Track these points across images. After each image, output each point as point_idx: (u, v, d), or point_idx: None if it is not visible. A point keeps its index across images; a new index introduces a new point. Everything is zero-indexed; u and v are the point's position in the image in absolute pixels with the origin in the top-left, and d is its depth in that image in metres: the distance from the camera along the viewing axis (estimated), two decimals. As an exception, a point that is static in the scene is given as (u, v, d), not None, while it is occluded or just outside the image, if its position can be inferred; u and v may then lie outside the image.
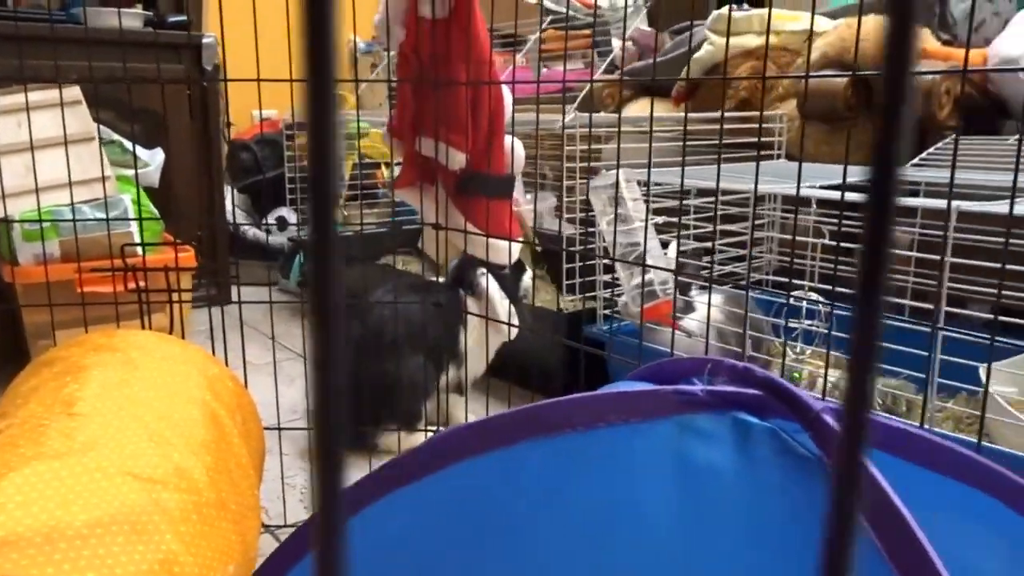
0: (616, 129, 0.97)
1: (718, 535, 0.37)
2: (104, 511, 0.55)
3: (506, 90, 1.07)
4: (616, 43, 2.73)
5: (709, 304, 1.39)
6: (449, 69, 0.99)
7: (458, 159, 1.04)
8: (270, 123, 2.55)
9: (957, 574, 0.39)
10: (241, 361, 1.64)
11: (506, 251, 1.07)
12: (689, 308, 1.49)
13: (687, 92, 2.10)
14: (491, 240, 1.09)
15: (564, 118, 1.15)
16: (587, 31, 2.52)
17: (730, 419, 0.38)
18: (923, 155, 1.54)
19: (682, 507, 0.38)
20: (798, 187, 1.09)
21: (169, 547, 0.57)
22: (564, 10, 2.78)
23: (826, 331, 1.35)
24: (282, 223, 2.36)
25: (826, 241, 1.61)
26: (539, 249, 1.97)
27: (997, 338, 0.84)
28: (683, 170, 1.16)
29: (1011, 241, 0.87)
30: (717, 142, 1.82)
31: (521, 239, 1.13)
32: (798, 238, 1.62)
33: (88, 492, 0.57)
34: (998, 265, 0.88)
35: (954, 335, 1.06)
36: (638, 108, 2.38)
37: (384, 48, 1.30)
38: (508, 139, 1.09)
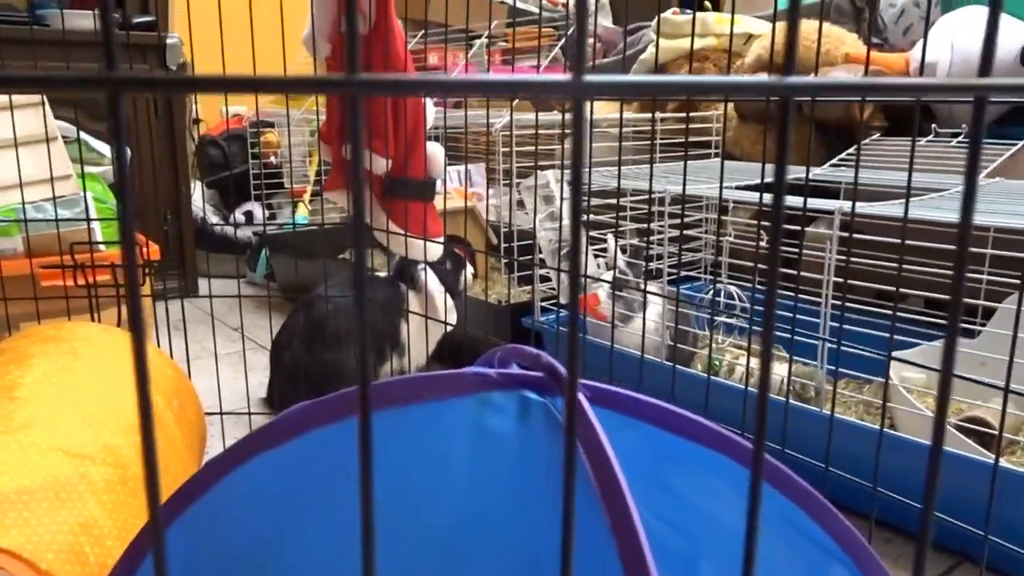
0: (559, 131, 1.06)
1: (505, 493, 0.46)
2: (32, 480, 0.64)
3: (428, 101, 1.15)
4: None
5: (645, 303, 1.47)
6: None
7: (380, 164, 1.12)
8: (238, 119, 2.62)
9: (703, 524, 0.48)
10: (204, 350, 1.73)
11: (424, 249, 1.15)
12: (633, 305, 1.57)
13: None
14: (410, 239, 1.17)
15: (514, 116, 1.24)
16: (549, 28, 2.59)
17: (517, 396, 0.46)
18: (842, 156, 1.63)
19: (477, 469, 0.47)
20: (720, 188, 1.18)
21: (91, 513, 0.65)
22: (535, 9, 2.85)
23: (746, 323, 1.44)
24: (249, 217, 2.44)
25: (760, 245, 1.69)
26: (495, 243, 2.05)
27: (898, 326, 0.93)
28: (619, 170, 1.24)
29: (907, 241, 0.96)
30: (662, 141, 1.90)
31: (440, 239, 1.21)
32: (735, 236, 1.71)
33: (20, 464, 0.65)
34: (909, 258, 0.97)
35: (865, 330, 1.14)
36: (595, 108, 2.46)
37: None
38: (430, 144, 1.17)
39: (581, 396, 0.43)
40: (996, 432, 1.20)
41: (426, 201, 1.18)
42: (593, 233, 1.49)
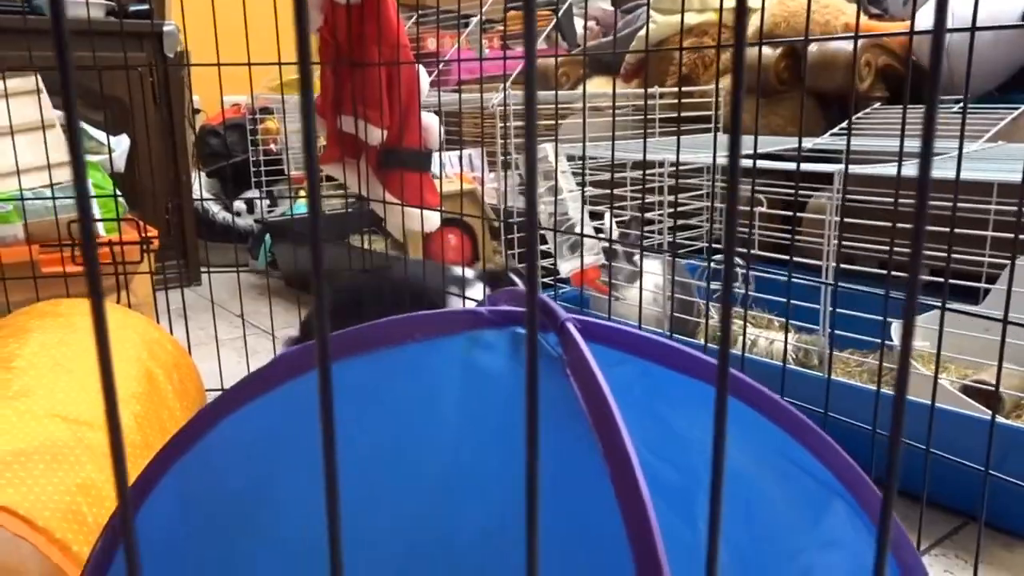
0: (552, 106, 1.05)
1: (497, 428, 0.45)
2: (29, 444, 0.63)
3: (421, 70, 1.14)
4: (579, 22, 2.80)
5: (641, 272, 1.47)
6: (363, 51, 1.06)
7: (375, 134, 1.12)
8: (236, 109, 2.61)
9: (700, 458, 0.47)
10: (207, 336, 1.73)
11: (425, 219, 1.15)
12: (634, 276, 1.57)
13: (635, 69, 2.17)
14: (407, 209, 1.17)
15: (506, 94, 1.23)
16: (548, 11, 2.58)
17: (509, 333, 0.46)
18: (842, 125, 1.62)
19: (471, 407, 0.46)
20: (714, 156, 1.17)
21: (89, 475, 0.65)
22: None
23: (744, 293, 1.43)
24: (250, 205, 2.43)
25: (763, 209, 1.69)
26: (496, 225, 2.04)
27: (892, 294, 0.93)
28: (613, 144, 1.23)
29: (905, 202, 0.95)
30: (662, 116, 1.89)
31: (439, 208, 1.20)
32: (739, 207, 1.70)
33: (16, 429, 0.65)
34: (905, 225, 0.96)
35: (866, 292, 1.14)
36: (593, 86, 2.45)
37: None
38: (425, 115, 1.17)
39: (573, 329, 0.42)
40: (1001, 394, 1.19)
41: (422, 171, 1.18)
42: (592, 208, 1.48)
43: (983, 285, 1.35)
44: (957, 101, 1.61)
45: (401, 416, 0.46)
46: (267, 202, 2.44)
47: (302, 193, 2.37)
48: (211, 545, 0.50)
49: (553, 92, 2.07)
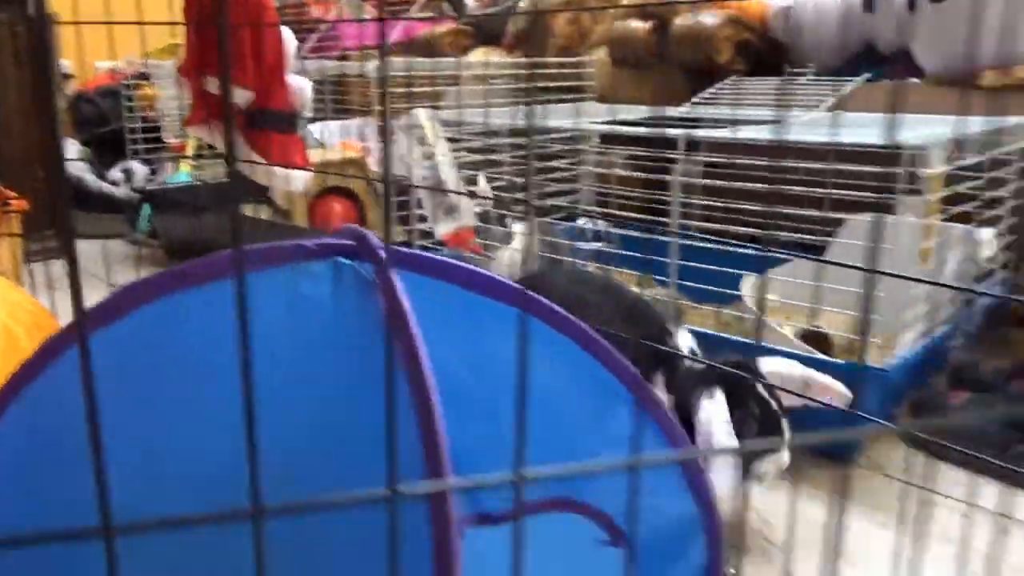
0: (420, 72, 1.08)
1: (323, 349, 0.50)
2: None
3: (287, 32, 1.16)
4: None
5: (510, 233, 1.53)
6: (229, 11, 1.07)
7: (240, 95, 1.13)
8: (111, 75, 2.53)
9: (506, 373, 0.53)
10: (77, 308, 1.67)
11: (293, 179, 1.18)
12: (508, 238, 1.63)
13: (515, 40, 2.23)
14: (273, 168, 1.19)
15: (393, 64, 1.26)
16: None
17: (332, 263, 0.51)
18: (703, 94, 1.72)
19: (299, 332, 0.51)
20: (614, 124, 1.23)
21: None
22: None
23: (611, 251, 1.52)
24: (128, 175, 2.37)
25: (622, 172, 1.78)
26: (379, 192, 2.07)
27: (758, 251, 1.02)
28: (486, 111, 1.28)
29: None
30: (539, 84, 1.96)
31: (310, 168, 1.23)
32: (607, 171, 1.79)
33: None
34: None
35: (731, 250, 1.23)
36: (479, 55, 2.49)
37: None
38: (294, 78, 1.19)
39: (384, 256, 0.48)
40: (832, 337, 1.32)
41: (290, 133, 1.20)
42: (471, 173, 1.54)
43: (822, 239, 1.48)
44: (803, 74, 1.74)
45: (232, 343, 0.50)
46: (146, 171, 2.39)
47: (183, 162, 2.32)
48: (56, 473, 0.53)
49: (437, 60, 2.11)
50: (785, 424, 0.83)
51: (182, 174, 2.31)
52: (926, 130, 1.17)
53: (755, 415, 0.79)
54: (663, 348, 0.83)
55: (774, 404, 0.83)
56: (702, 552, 0.63)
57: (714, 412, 0.79)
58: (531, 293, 0.49)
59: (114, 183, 2.36)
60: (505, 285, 0.50)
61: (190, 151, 2.36)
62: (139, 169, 2.40)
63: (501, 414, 0.50)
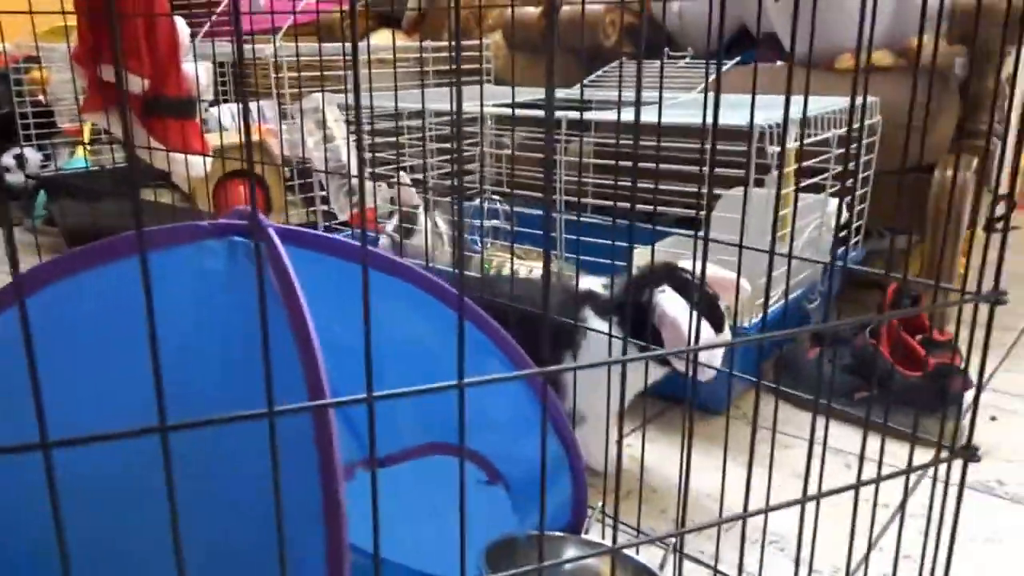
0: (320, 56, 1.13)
1: (222, 322, 0.57)
2: None
3: (180, 21, 1.19)
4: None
5: (427, 218, 1.60)
6: (120, 1, 1.10)
7: (135, 82, 1.16)
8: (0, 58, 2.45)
9: (388, 339, 0.61)
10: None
11: (192, 164, 1.21)
12: (415, 219, 1.70)
13: (416, 22, 2.28)
14: (172, 156, 1.23)
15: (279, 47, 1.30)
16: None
17: (228, 241, 0.57)
18: (592, 77, 1.82)
19: (200, 306, 0.57)
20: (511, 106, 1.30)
21: None
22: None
23: (508, 229, 1.61)
24: (20, 161, 2.32)
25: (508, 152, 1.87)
26: (288, 174, 2.10)
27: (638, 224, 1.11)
28: (370, 94, 1.33)
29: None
30: (433, 68, 2.01)
31: (210, 154, 1.27)
32: (499, 151, 1.87)
33: None
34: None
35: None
36: (379, 39, 2.53)
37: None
38: (189, 65, 1.22)
39: (272, 233, 0.55)
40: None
41: (187, 119, 1.23)
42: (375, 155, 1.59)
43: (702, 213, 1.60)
44: (682, 57, 1.86)
45: (138, 319, 0.56)
46: (40, 157, 2.34)
47: (79, 148, 2.29)
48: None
49: (337, 44, 2.14)
50: (722, 307, 0.98)
51: (78, 160, 2.28)
52: (779, 112, 1.29)
53: (701, 302, 0.90)
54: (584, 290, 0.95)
55: (710, 290, 0.97)
56: (567, 487, 0.72)
57: (672, 300, 0.92)
58: (404, 261, 0.57)
59: (6, 169, 2.30)
60: (383, 257, 0.58)
61: (86, 137, 2.33)
62: (32, 155, 2.35)
63: (387, 366, 0.58)
